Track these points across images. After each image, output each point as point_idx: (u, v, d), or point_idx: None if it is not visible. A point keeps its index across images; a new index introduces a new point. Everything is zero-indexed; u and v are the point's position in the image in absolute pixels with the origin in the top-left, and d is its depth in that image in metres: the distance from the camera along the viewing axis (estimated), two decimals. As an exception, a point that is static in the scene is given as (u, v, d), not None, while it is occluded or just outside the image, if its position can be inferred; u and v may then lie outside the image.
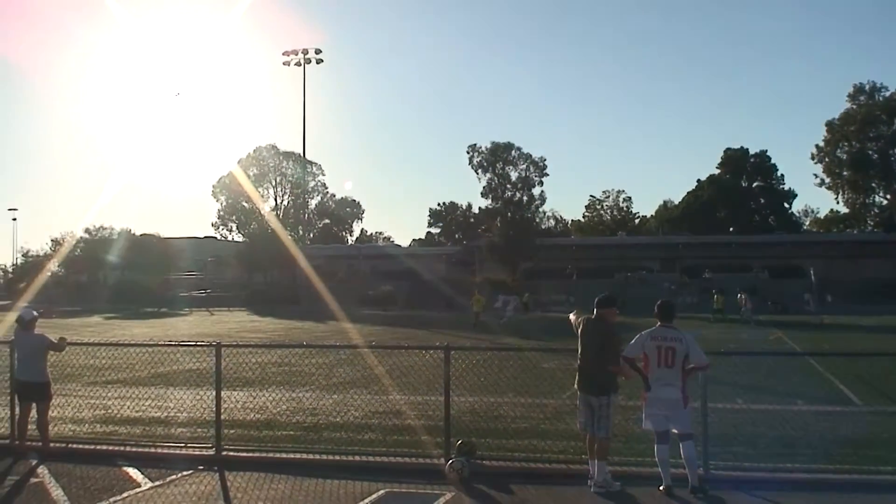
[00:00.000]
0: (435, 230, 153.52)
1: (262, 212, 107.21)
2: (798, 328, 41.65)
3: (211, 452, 11.23)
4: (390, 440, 12.11)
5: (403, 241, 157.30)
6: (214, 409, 11.42)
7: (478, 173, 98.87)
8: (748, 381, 17.42)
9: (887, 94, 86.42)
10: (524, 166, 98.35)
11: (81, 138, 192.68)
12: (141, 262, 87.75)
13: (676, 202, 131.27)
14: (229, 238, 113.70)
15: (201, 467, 10.76)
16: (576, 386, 9.79)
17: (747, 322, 46.90)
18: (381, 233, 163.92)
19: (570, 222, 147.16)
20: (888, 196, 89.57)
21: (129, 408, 14.77)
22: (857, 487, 9.61)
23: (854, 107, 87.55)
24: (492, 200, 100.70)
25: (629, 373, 9.63)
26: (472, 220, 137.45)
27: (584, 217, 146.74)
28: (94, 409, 14.88)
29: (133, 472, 10.49)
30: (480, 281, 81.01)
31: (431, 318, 52.43)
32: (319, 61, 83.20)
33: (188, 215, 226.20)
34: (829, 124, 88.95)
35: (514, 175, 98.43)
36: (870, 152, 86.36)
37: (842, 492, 9.47)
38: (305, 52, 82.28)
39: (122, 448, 11.72)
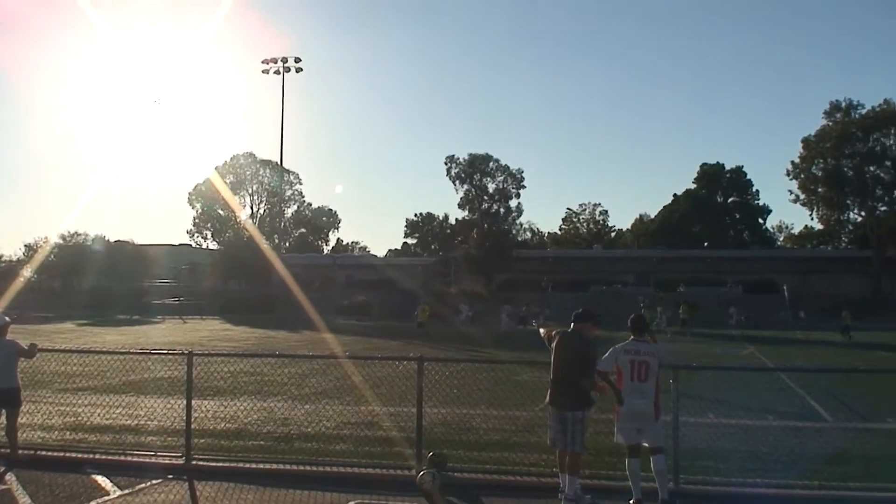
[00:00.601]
0: (411, 241, 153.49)
1: (239, 220, 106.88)
2: (772, 343, 41.86)
3: (181, 461, 11.18)
4: (362, 451, 12.08)
5: (380, 251, 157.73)
6: (185, 417, 11.37)
7: (455, 184, 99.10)
8: (720, 396, 17.52)
9: (863, 111, 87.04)
10: (502, 178, 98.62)
11: (57, 144, 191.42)
12: (115, 268, 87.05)
13: (652, 216, 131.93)
14: (204, 246, 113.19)
15: (171, 476, 10.69)
16: (548, 400, 9.72)
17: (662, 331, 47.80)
18: (357, 242, 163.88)
19: (546, 235, 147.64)
20: (862, 213, 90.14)
21: (99, 415, 14.71)
22: (825, 503, 9.69)
23: (830, 124, 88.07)
24: (469, 212, 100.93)
25: (605, 388, 9.65)
26: (448, 230, 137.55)
27: (560, 230, 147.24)
28: (63, 416, 14.81)
29: (102, 480, 10.42)
30: (456, 292, 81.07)
31: (406, 329, 52.30)
32: (299, 70, 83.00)
33: (164, 222, 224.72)
34: (805, 141, 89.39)
35: (491, 187, 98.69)
36: (845, 169, 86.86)
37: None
38: (285, 60, 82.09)
39: (91, 456, 11.66)
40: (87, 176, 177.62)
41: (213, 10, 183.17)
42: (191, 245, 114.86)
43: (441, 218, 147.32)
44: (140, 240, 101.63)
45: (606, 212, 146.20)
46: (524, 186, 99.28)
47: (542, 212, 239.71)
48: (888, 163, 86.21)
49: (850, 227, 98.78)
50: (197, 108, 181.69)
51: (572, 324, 9.98)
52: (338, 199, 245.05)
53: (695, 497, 9.79)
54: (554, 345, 9.86)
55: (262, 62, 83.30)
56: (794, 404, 17.74)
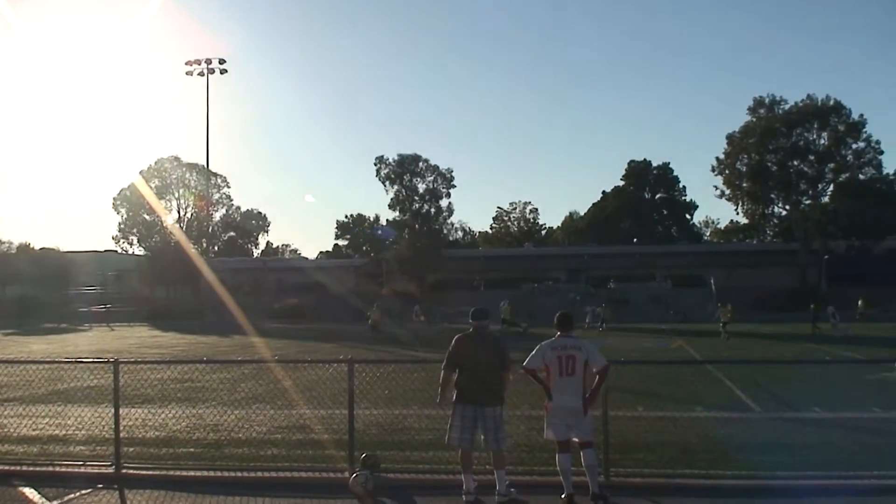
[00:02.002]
0: (342, 242, 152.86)
1: (165, 224, 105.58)
2: (700, 336, 42.46)
3: (111, 470, 11.02)
4: (294, 455, 12.02)
5: (310, 253, 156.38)
6: (114, 426, 11.24)
7: (385, 185, 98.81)
8: (649, 389, 17.76)
9: (787, 106, 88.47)
10: (431, 178, 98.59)
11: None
12: (40, 276, 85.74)
13: (582, 213, 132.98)
14: (131, 252, 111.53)
15: (101, 486, 10.54)
16: (460, 399, 9.67)
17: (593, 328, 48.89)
18: (287, 245, 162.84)
19: (477, 234, 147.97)
20: (787, 207, 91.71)
21: (26, 426, 14.47)
22: (754, 492, 9.84)
23: (754, 119, 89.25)
24: (399, 212, 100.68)
25: (513, 382, 9.79)
26: (379, 231, 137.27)
27: (491, 228, 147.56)
28: (-11, 428, 14.53)
29: (29, 492, 10.24)
30: (387, 293, 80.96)
31: (339, 331, 52.16)
32: (223, 71, 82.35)
33: (89, 229, 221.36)
34: (730, 137, 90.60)
35: (421, 187, 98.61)
36: (769, 164, 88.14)
37: (740, 497, 9.68)
38: (209, 62, 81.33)
39: (17, 468, 11.44)
40: (9, 183, 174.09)
41: (136, 11, 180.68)
42: (117, 251, 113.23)
43: (372, 219, 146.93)
44: (65, 247, 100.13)
45: (537, 210, 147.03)
46: (454, 186, 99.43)
47: (472, 211, 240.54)
48: (811, 157, 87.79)
49: (775, 221, 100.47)
50: (120, 111, 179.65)
51: (475, 322, 10.05)
52: (267, 202, 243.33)
53: (626, 490, 9.85)
54: (462, 346, 9.86)
55: (186, 63, 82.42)
56: (722, 395, 17.94)
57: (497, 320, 44.66)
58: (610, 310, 53.26)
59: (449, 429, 9.73)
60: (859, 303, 55.84)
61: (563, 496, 9.39)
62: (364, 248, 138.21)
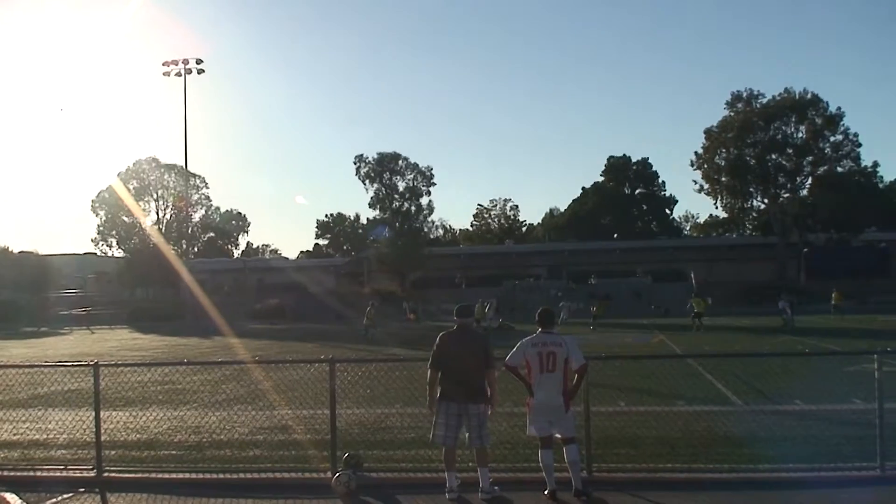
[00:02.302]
0: (323, 242, 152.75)
1: (144, 226, 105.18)
2: (681, 330, 42.57)
3: (92, 474, 10.97)
4: (276, 456, 12.00)
5: (291, 253, 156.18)
6: (94, 429, 11.19)
7: (365, 184, 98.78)
8: (630, 384, 17.81)
9: (764, 100, 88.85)
10: (411, 176, 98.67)
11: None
12: (19, 280, 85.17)
13: (562, 210, 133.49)
14: (110, 254, 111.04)
15: (82, 489, 10.49)
16: (445, 397, 9.63)
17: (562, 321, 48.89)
18: (268, 245, 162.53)
19: (458, 231, 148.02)
20: (765, 200, 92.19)
21: (6, 431, 14.38)
22: (736, 485, 9.84)
23: (732, 114, 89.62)
24: (380, 211, 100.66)
25: (497, 381, 9.79)
26: (360, 230, 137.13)
27: (472, 226, 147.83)
28: (-31, 433, 14.44)
29: (10, 497, 10.15)
30: (369, 292, 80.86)
31: (320, 331, 52.07)
32: (201, 72, 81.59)
33: (68, 231, 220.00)
34: (708, 131, 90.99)
35: (401, 185, 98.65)
36: (747, 158, 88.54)
37: (721, 490, 9.66)
38: (186, 62, 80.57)
39: (-2, 472, 11.41)
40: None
41: (114, 13, 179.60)
42: (96, 254, 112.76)
43: (352, 218, 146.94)
44: (44, 250, 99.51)
45: (517, 207, 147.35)
46: (434, 184, 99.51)
47: (453, 209, 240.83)
48: (789, 150, 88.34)
49: (754, 215, 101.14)
50: (98, 113, 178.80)
51: (459, 319, 10.07)
52: (247, 202, 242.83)
53: (608, 485, 9.85)
54: (447, 344, 9.84)
55: (163, 64, 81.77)
56: (703, 389, 17.96)
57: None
58: (602, 305, 52.31)
59: (433, 426, 9.71)
60: (833, 295, 56.03)
61: (546, 492, 9.42)
62: (345, 247, 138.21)
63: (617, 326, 48.87)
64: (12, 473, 11.35)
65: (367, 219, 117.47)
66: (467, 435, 9.57)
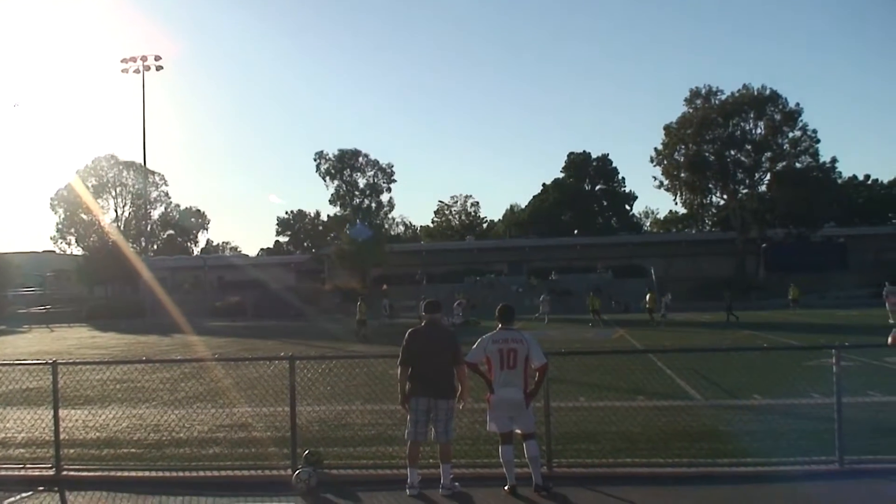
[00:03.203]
0: (283, 239, 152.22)
1: (103, 224, 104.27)
2: (642, 326, 42.83)
3: (51, 473, 10.88)
4: (236, 454, 11.96)
5: (251, 250, 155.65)
6: (53, 428, 11.10)
7: (325, 180, 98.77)
8: (590, 380, 17.92)
9: (723, 97, 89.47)
10: (372, 173, 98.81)
11: None
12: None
13: (523, 206, 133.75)
14: (69, 252, 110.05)
15: (41, 488, 10.40)
16: (415, 392, 9.67)
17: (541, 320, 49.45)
18: (227, 243, 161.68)
19: (419, 228, 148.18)
20: (724, 196, 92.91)
21: (-37, 430, 14.24)
22: (695, 480, 9.90)
23: (691, 110, 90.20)
24: (340, 207, 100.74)
25: (467, 377, 9.81)
26: (320, 227, 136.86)
27: (432, 222, 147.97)
28: (-76, 434, 14.27)
29: (-32, 496, 10.12)
30: (330, 288, 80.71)
31: (281, 328, 51.89)
32: (159, 68, 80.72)
33: (26, 229, 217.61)
34: (667, 128, 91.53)
35: (361, 182, 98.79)
36: (706, 154, 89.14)
37: (681, 485, 9.72)
38: (144, 59, 79.69)
39: (-46, 473, 11.28)
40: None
41: (70, 6, 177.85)
42: (55, 251, 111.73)
43: (312, 215, 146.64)
44: (2, 248, 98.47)
45: (478, 203, 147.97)
46: (395, 181, 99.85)
47: (413, 205, 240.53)
48: (748, 146, 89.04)
49: (714, 211, 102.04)
50: (56, 110, 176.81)
51: (427, 315, 10.12)
52: (206, 200, 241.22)
53: (568, 480, 9.90)
54: (416, 340, 9.86)
55: (122, 61, 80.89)
56: (663, 385, 18.06)
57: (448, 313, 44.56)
58: (598, 300, 51.54)
59: (408, 423, 9.77)
60: (790, 290, 56.68)
61: (506, 488, 9.47)
62: (305, 244, 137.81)
63: (577, 322, 49.09)
64: (-30, 473, 11.23)
65: (328, 215, 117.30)
66: (433, 430, 9.60)
